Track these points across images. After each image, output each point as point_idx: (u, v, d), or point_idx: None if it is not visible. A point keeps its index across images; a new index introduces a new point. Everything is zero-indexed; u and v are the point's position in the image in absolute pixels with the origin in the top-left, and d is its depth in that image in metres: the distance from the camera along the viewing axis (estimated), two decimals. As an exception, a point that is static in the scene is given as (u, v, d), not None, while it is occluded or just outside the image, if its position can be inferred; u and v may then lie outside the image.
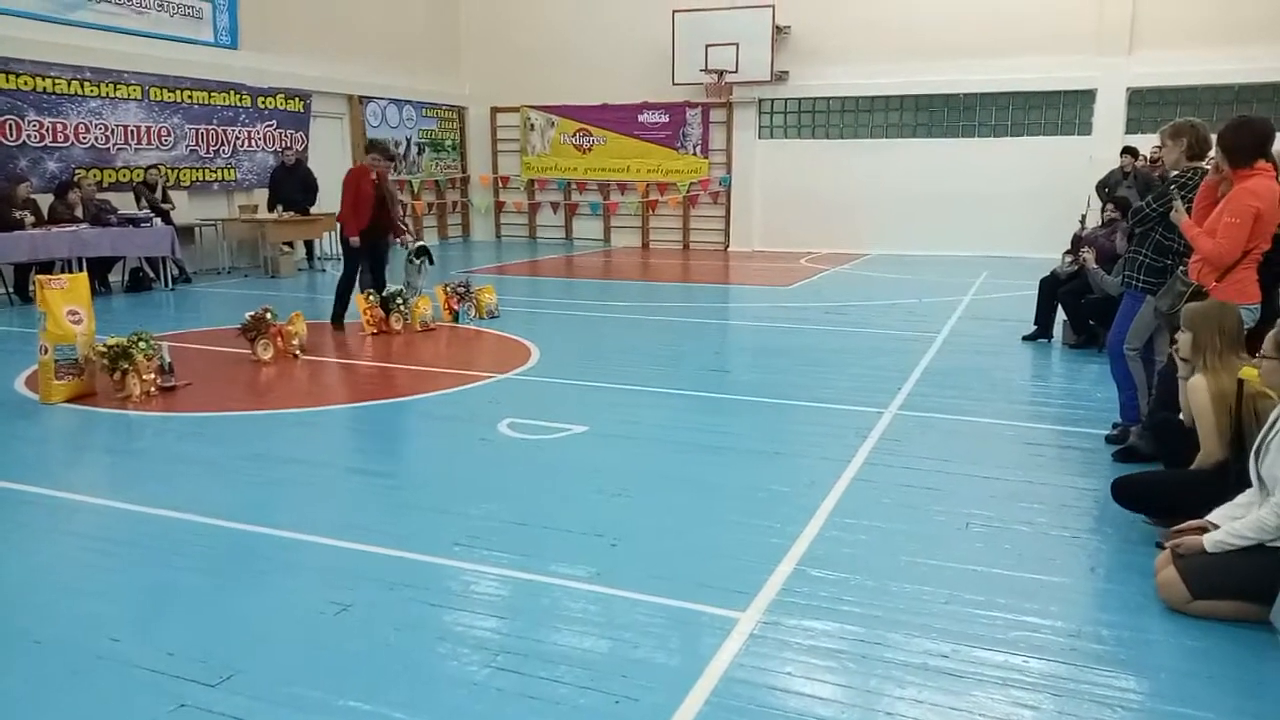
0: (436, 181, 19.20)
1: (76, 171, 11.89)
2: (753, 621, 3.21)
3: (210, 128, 13.94)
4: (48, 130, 11.74)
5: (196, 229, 13.78)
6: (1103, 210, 8.73)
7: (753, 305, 11.33)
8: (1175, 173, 4.98)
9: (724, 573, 3.59)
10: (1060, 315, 8.23)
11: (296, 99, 15.30)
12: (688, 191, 18.53)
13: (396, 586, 3.49)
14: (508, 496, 4.46)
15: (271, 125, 14.88)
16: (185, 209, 13.48)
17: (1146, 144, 12.07)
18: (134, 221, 11.55)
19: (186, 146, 13.61)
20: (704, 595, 3.40)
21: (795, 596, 3.41)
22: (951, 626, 3.18)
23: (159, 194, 12.63)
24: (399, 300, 8.91)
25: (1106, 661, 2.98)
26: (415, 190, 18.42)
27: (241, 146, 14.49)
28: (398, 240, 9.70)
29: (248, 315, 7.59)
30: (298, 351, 7.67)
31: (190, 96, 13.58)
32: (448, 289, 9.58)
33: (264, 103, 14.76)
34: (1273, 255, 4.64)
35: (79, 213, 11.34)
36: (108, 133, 12.47)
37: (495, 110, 19.67)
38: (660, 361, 7.71)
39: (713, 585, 3.48)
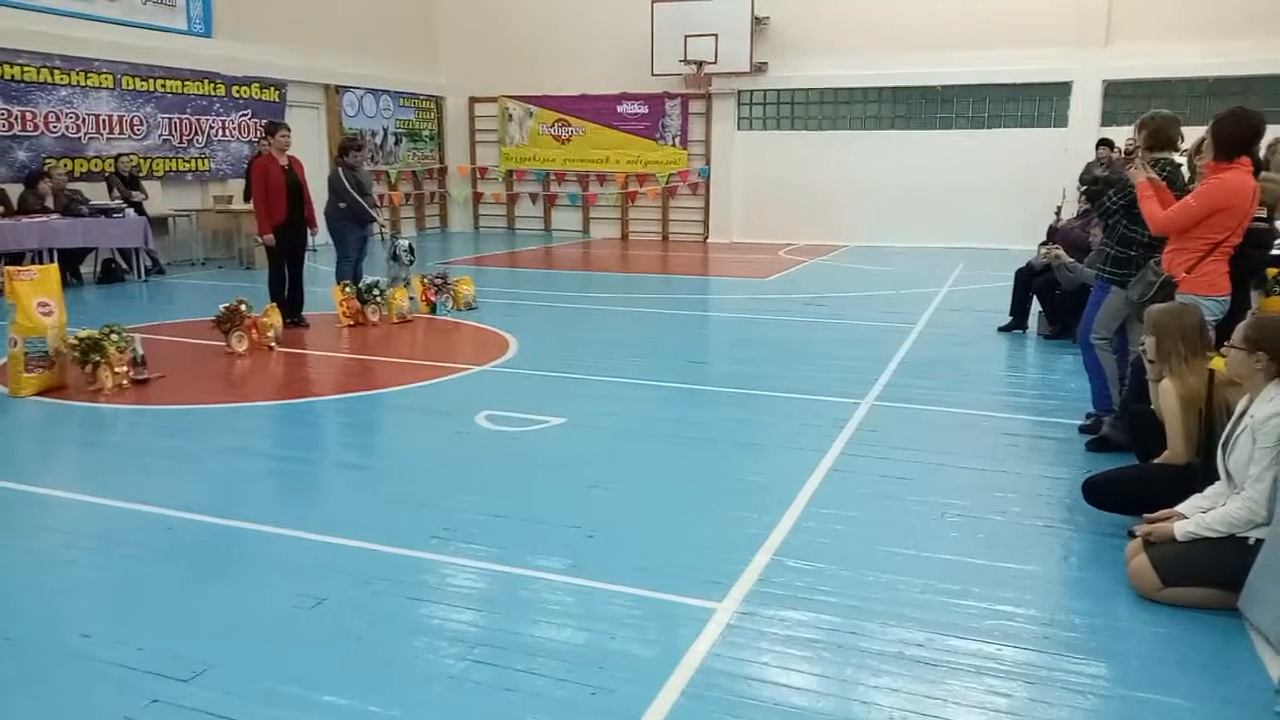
0: (414, 172, 19.07)
1: (47, 161, 11.71)
2: (729, 612, 3.22)
3: (184, 117, 13.77)
4: (16, 119, 11.55)
5: (170, 219, 13.62)
6: (1079, 201, 8.80)
7: (731, 297, 11.35)
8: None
9: (701, 564, 3.60)
10: (1035, 306, 8.30)
11: (272, 88, 15.14)
12: (667, 183, 18.50)
13: (372, 580, 3.47)
14: (485, 489, 4.44)
15: (246, 115, 14.71)
16: (159, 199, 13.31)
17: (1121, 136, 12.17)
18: (106, 212, 11.39)
19: (160, 136, 13.44)
20: (681, 586, 3.41)
21: (772, 587, 3.42)
22: (927, 616, 3.20)
23: (132, 184, 12.45)
24: (375, 292, 8.85)
25: (1079, 649, 3.01)
26: (393, 181, 18.30)
27: (216, 136, 14.32)
28: (313, 232, 8.94)
29: (222, 307, 7.53)
30: (272, 344, 7.61)
31: (163, 85, 13.40)
32: (425, 280, 9.53)
33: (238, 92, 14.60)
34: (1245, 249, 4.69)
35: (50, 203, 11.18)
36: (79, 122, 12.29)
37: (473, 100, 19.55)
38: (638, 353, 7.70)
39: (690, 576, 3.49)
